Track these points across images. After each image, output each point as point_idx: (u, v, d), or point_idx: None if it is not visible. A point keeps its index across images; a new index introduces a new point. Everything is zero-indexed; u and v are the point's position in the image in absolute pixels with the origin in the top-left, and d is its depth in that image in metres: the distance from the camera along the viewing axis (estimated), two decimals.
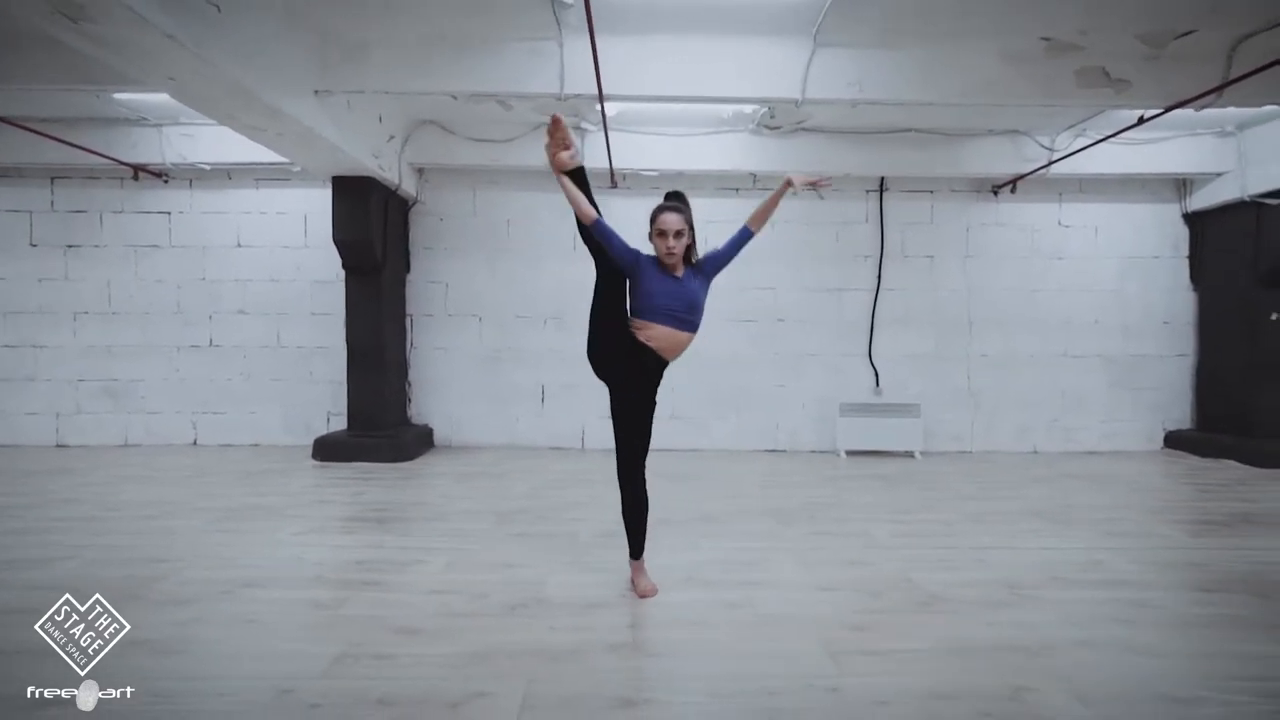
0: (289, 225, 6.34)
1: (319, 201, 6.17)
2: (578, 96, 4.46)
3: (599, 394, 6.24)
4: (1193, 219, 6.45)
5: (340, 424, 6.11)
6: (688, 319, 2.63)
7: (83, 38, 3.19)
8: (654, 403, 2.75)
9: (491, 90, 4.46)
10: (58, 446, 6.23)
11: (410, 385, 6.36)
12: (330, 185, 5.56)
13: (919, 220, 6.48)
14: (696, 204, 6.11)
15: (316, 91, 4.43)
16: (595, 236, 2.57)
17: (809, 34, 4.24)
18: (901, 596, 2.75)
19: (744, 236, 2.71)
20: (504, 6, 4.07)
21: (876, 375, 6.45)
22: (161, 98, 5.03)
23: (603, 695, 1.98)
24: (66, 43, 3.20)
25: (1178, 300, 6.53)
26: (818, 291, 6.46)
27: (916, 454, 6.13)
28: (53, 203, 6.31)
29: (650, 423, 2.75)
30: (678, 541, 3.46)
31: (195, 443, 6.30)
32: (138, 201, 6.33)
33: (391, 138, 5.65)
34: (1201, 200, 6.27)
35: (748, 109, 5.48)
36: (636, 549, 2.80)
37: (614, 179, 6.23)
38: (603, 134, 5.35)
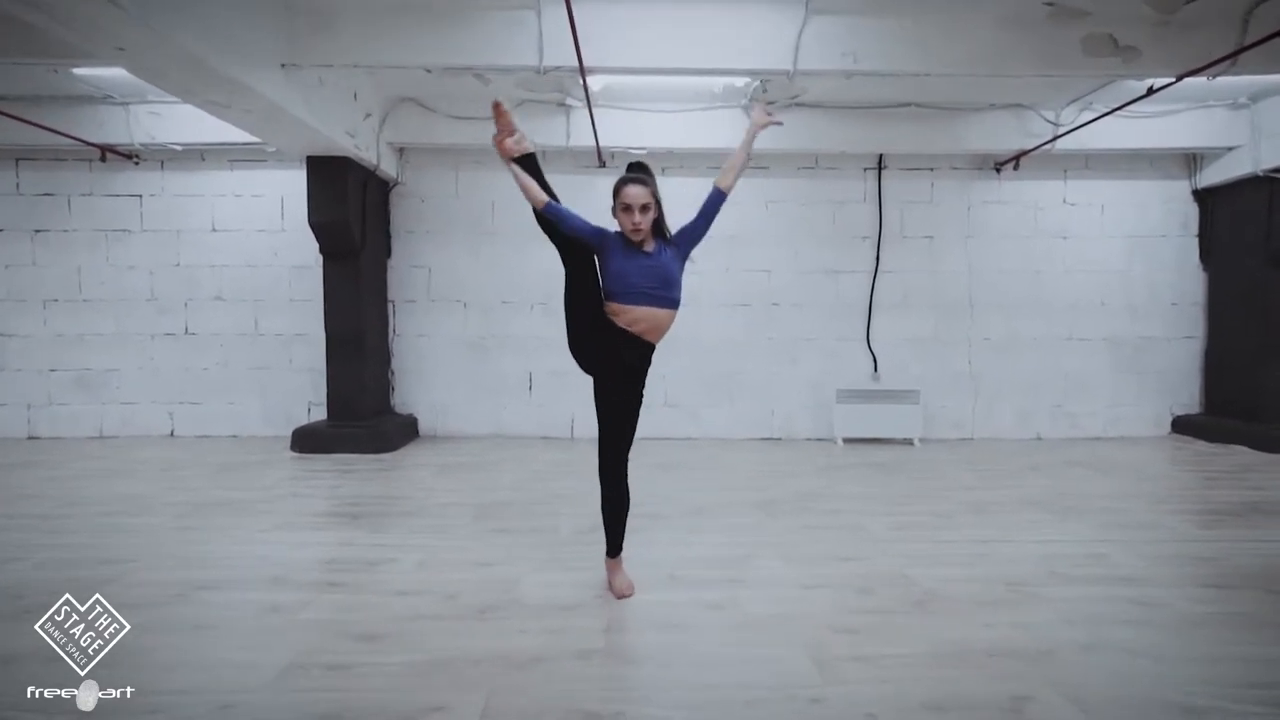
0: (265, 208, 6.13)
1: (296, 184, 5.94)
2: (558, 69, 4.24)
3: (588, 382, 6.08)
4: (1203, 196, 6.23)
5: (321, 414, 5.94)
6: (666, 295, 2.46)
7: (21, 3, 2.98)
8: (640, 396, 2.59)
9: (466, 63, 4.24)
10: (29, 439, 6.06)
11: (393, 374, 6.18)
12: (305, 166, 5.35)
13: (918, 199, 6.27)
14: (687, 183, 5.93)
15: (284, 65, 4.21)
16: (550, 220, 2.39)
17: (801, 1, 4.01)
18: (894, 594, 2.60)
19: (715, 199, 2.54)
20: None
21: (875, 360, 6.27)
22: (125, 73, 4.80)
23: (566, 708, 1.83)
24: (4, 9, 3.00)
25: (1186, 280, 6.33)
26: (814, 274, 6.25)
27: (916, 441, 5.97)
28: (18, 185, 6.09)
29: (636, 416, 2.58)
30: (662, 536, 3.31)
31: (172, 434, 6.13)
32: (107, 184, 6.11)
33: (368, 116, 5.43)
34: (1212, 176, 6.04)
35: (739, 83, 5.25)
36: (614, 547, 2.65)
37: (601, 158, 6.01)
38: (587, 111, 5.13)
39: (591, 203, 5.96)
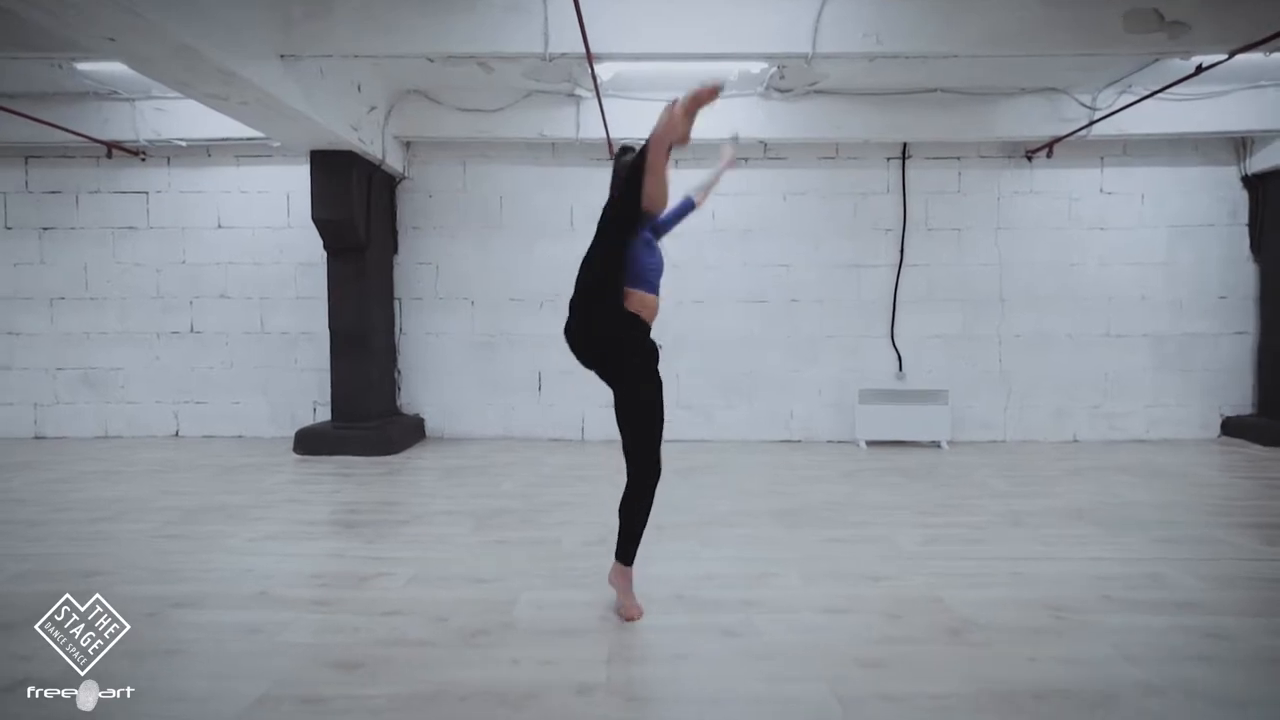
0: (271, 204, 6.01)
1: (301, 179, 5.79)
2: (564, 56, 4.03)
3: (597, 381, 5.89)
4: (1253, 182, 5.83)
5: (327, 414, 5.80)
6: (654, 276, 2.38)
7: None
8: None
9: (469, 50, 4.05)
10: (35, 438, 6.01)
11: (399, 373, 6.03)
12: (309, 161, 5.20)
13: (945, 190, 5.95)
14: (702, 175, 5.70)
15: (282, 56, 4.06)
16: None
17: None
18: (926, 621, 2.35)
19: (688, 207, 2.69)
20: None
21: (899, 358, 5.98)
22: (129, 69, 4.71)
23: None
24: None
25: (1236, 272, 5.94)
26: (834, 268, 5.98)
27: (943, 444, 5.68)
28: (27, 183, 6.03)
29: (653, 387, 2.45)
30: (671, 549, 3.09)
31: (177, 434, 6.04)
32: (114, 181, 6.03)
33: (373, 108, 5.26)
34: (1264, 161, 5.65)
35: (755, 69, 5.00)
36: (632, 554, 2.42)
37: (612, 150, 5.78)
38: (596, 101, 4.91)
39: (604, 193, 5.78)
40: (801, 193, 5.93)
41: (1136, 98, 4.99)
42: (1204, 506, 3.86)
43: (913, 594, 2.58)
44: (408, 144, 5.92)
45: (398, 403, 6.01)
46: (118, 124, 5.51)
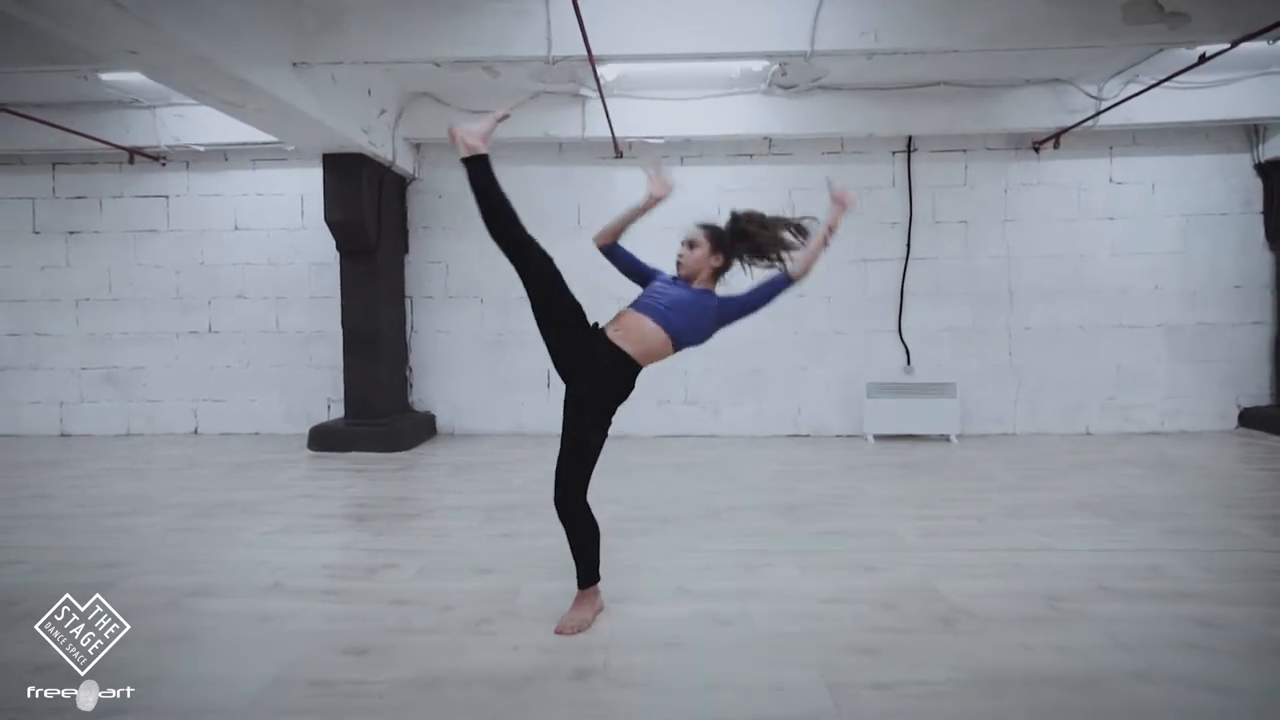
0: (286, 207, 6.15)
1: (314, 182, 5.90)
2: (567, 59, 4.09)
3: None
4: (1267, 169, 5.74)
5: (341, 411, 5.93)
6: (665, 313, 2.26)
7: (25, 7, 2.96)
8: (609, 414, 2.33)
9: (475, 55, 4.14)
10: (61, 436, 6.20)
11: (411, 370, 6.14)
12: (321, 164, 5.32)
13: (951, 183, 5.94)
14: (708, 172, 5.74)
15: (295, 64, 4.16)
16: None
17: None
18: (921, 610, 2.38)
19: (779, 283, 2.39)
20: None
21: (907, 352, 5.98)
22: (148, 78, 4.86)
23: None
24: (10, 14, 2.99)
25: (1251, 261, 5.86)
26: (841, 263, 5.98)
27: (952, 437, 5.67)
28: (54, 189, 6.23)
29: (600, 437, 2.33)
30: (674, 542, 3.14)
31: (196, 431, 6.20)
32: (136, 185, 6.20)
33: (383, 112, 5.36)
34: (1277, 148, 5.58)
35: (757, 67, 5.02)
36: (587, 577, 2.35)
37: (618, 149, 5.83)
38: (600, 101, 4.96)
39: (611, 192, 5.88)
40: (807, 188, 5.93)
41: (1143, 87, 4.94)
42: (1214, 498, 3.83)
43: (908, 584, 2.61)
44: (417, 146, 6.02)
45: (409, 400, 6.12)
46: (139, 131, 5.67)
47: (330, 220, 5.34)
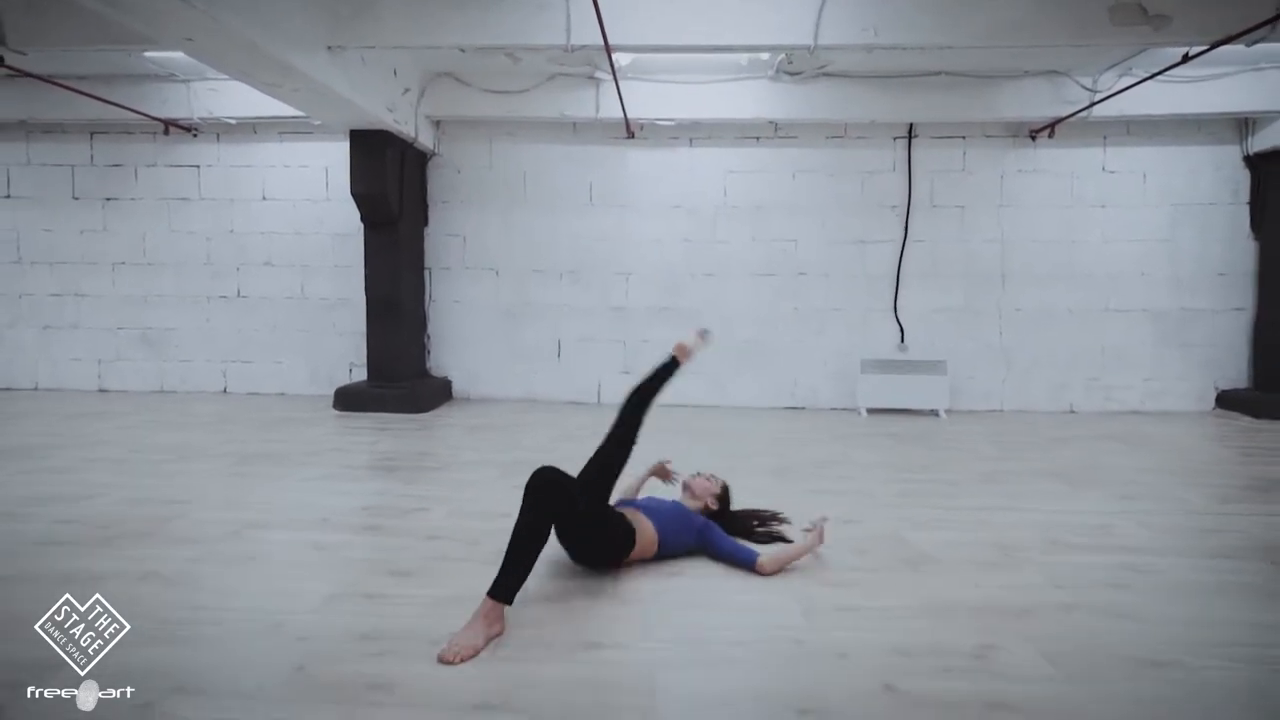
0: (311, 178, 6.42)
1: (339, 155, 6.19)
2: (584, 47, 4.34)
3: (614, 349, 6.24)
4: (1255, 161, 5.95)
5: (362, 374, 6.28)
6: (666, 527, 2.63)
7: (103, 3, 3.23)
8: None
9: (499, 43, 4.39)
10: (100, 391, 6.59)
11: (429, 337, 6.47)
12: (348, 139, 5.59)
13: (950, 168, 6.17)
14: (716, 153, 6.00)
15: (330, 47, 4.42)
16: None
17: None
18: (888, 555, 2.73)
19: (745, 563, 2.55)
20: None
21: (901, 330, 6.27)
22: (186, 55, 5.11)
23: (571, 641, 2.04)
24: (86, 5, 3.25)
25: (1236, 250, 6.10)
26: (841, 244, 6.25)
27: (941, 413, 5.99)
28: (92, 157, 6.52)
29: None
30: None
31: (225, 390, 6.58)
32: (169, 155, 6.49)
33: (407, 91, 5.61)
34: (1266, 140, 5.77)
35: (764, 55, 5.24)
36: (505, 587, 2.09)
37: (630, 129, 6.07)
38: (614, 84, 5.20)
39: (622, 171, 6.12)
40: (810, 171, 6.18)
41: (1135, 80, 5.15)
42: (1174, 470, 4.15)
43: (880, 534, 2.95)
44: (438, 123, 6.27)
45: (427, 365, 6.46)
46: (174, 103, 5.94)
47: (356, 193, 5.63)
